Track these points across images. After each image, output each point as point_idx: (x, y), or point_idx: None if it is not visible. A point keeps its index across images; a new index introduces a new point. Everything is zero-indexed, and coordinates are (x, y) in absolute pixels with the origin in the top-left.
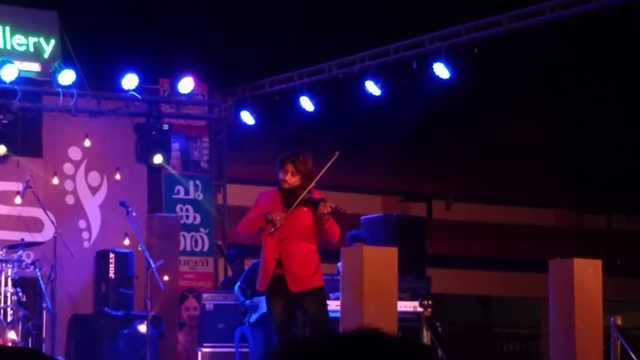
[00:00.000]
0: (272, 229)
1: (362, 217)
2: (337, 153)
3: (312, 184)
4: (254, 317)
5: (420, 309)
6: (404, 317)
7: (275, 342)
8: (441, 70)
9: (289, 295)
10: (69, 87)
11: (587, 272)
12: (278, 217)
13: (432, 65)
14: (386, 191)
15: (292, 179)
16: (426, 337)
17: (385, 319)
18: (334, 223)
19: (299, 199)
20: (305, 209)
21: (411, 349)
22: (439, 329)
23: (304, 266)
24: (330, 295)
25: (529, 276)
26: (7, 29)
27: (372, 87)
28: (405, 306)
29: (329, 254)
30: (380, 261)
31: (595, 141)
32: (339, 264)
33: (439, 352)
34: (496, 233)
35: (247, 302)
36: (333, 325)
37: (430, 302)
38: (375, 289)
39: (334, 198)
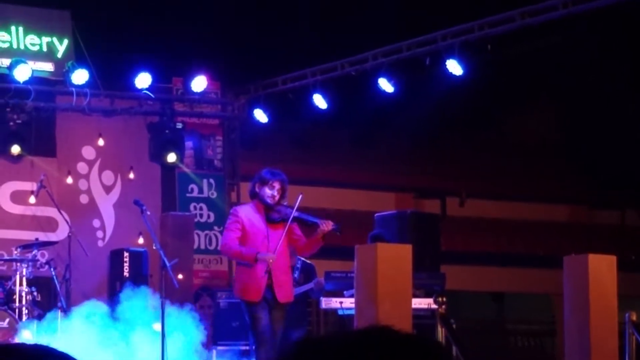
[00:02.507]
0: (266, 270)
1: (376, 215)
2: (301, 195)
3: (296, 207)
4: None
5: (434, 306)
6: (419, 314)
7: (268, 349)
8: (454, 66)
9: (274, 306)
10: (82, 86)
11: (602, 267)
12: (271, 260)
13: (445, 61)
14: (400, 188)
15: (277, 197)
16: (441, 334)
17: (399, 316)
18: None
19: (291, 219)
20: (291, 225)
21: (424, 346)
22: (454, 326)
23: (289, 278)
24: (345, 292)
25: (542, 272)
26: (21, 29)
27: (385, 84)
28: (420, 303)
29: (343, 252)
30: (395, 258)
31: (608, 136)
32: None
33: (454, 349)
34: (510, 229)
35: None
36: (348, 323)
37: (444, 299)
38: (390, 286)
39: (347, 195)
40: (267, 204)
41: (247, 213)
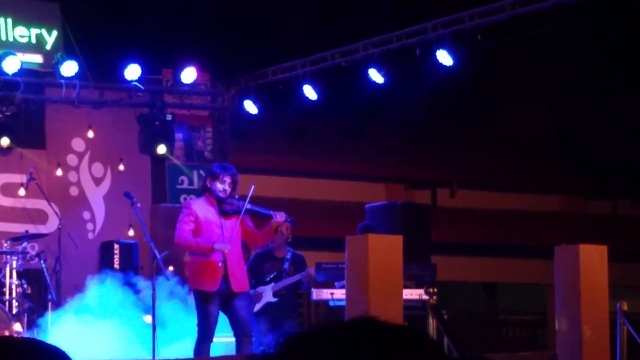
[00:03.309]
0: (222, 258)
1: (367, 205)
2: (253, 185)
3: (248, 199)
4: (257, 307)
5: (425, 297)
6: (410, 305)
7: (244, 336)
8: (444, 57)
9: (231, 296)
10: (72, 78)
11: (593, 257)
12: (226, 251)
13: (436, 52)
14: (390, 179)
15: (228, 190)
16: (432, 324)
17: (390, 307)
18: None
19: (243, 211)
20: (243, 217)
21: (412, 336)
22: (445, 317)
23: (242, 268)
24: (336, 283)
25: (534, 262)
26: (9, 20)
27: (376, 75)
28: (411, 294)
29: (334, 243)
30: (385, 249)
31: (601, 127)
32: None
33: (445, 339)
34: (501, 220)
35: (251, 291)
36: (339, 314)
37: (435, 290)
38: (381, 277)
39: (338, 186)
40: (219, 198)
41: (200, 207)
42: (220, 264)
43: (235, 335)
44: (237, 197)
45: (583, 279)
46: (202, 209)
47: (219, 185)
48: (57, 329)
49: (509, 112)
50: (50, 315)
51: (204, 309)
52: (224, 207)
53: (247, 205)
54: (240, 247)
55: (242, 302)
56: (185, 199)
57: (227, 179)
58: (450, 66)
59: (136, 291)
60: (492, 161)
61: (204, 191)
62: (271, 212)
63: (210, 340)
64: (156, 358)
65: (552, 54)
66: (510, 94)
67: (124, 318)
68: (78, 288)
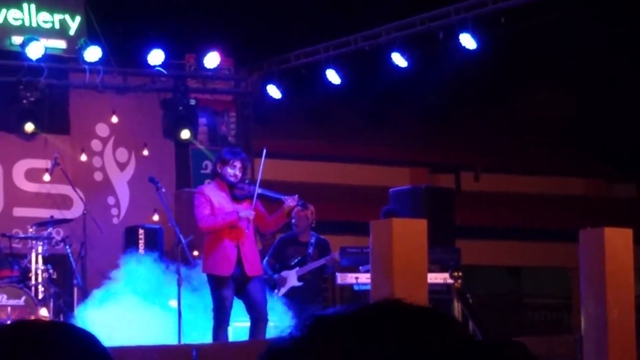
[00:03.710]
0: (247, 225)
1: (391, 190)
2: (265, 149)
3: (258, 183)
4: (282, 291)
5: (450, 281)
6: (434, 289)
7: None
8: (468, 40)
9: (245, 280)
10: (95, 63)
11: (618, 241)
12: (251, 217)
13: (459, 35)
14: (414, 163)
15: (239, 175)
16: (457, 308)
17: (415, 291)
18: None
19: (256, 195)
20: (254, 203)
21: (435, 319)
22: (470, 300)
23: (255, 252)
24: (360, 268)
25: (558, 246)
26: (33, 6)
27: (399, 59)
28: (435, 278)
29: (358, 227)
30: (410, 233)
31: (624, 110)
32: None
33: (470, 323)
34: (525, 203)
35: (276, 276)
36: (364, 299)
37: (460, 274)
38: (405, 262)
39: (362, 171)
40: (230, 183)
41: (213, 192)
42: (234, 248)
43: (251, 318)
44: (247, 181)
45: (608, 263)
46: (214, 194)
47: (230, 171)
48: (82, 313)
49: (532, 95)
50: (76, 300)
51: (218, 295)
52: (235, 192)
53: (259, 190)
54: (253, 232)
55: (257, 285)
56: (209, 183)
57: (238, 164)
58: (473, 49)
59: (161, 276)
60: (516, 144)
61: (215, 176)
62: (282, 196)
63: (227, 324)
64: (181, 342)
65: (575, 37)
66: (534, 76)
67: (149, 303)
68: (103, 273)
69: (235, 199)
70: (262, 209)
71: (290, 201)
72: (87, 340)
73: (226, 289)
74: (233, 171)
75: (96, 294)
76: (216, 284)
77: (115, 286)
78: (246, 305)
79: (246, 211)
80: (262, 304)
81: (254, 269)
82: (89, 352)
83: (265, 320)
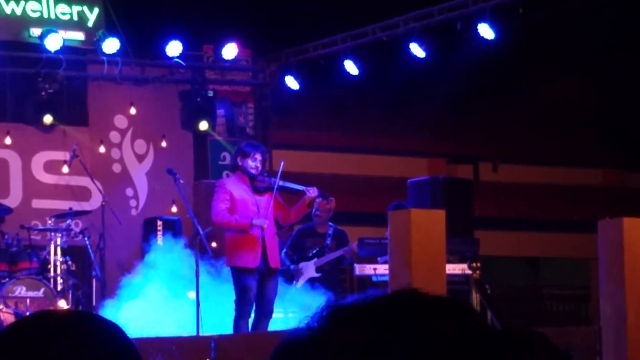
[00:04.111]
0: (262, 234)
1: (409, 181)
2: (283, 161)
3: (279, 175)
4: (300, 282)
5: (468, 272)
6: (453, 280)
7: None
8: (486, 30)
9: (267, 274)
10: (114, 55)
11: (637, 231)
12: (265, 226)
13: (477, 25)
14: (432, 154)
15: (259, 167)
16: (475, 299)
17: (433, 282)
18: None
19: (276, 187)
20: (274, 195)
21: (453, 309)
22: (488, 291)
23: (277, 244)
24: (379, 259)
25: (577, 237)
26: None
27: (417, 50)
28: (454, 269)
29: (376, 218)
30: (428, 224)
31: None
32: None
33: (488, 314)
34: (544, 194)
35: (294, 267)
36: (382, 290)
37: (478, 265)
38: (423, 252)
39: (380, 162)
40: (251, 175)
41: (234, 185)
42: (259, 240)
43: (256, 312)
44: (266, 174)
45: (627, 253)
46: (235, 187)
47: (251, 163)
48: (102, 305)
49: (551, 85)
50: (94, 292)
51: (242, 285)
52: (256, 185)
53: (280, 182)
54: (273, 224)
55: (273, 281)
56: (227, 174)
57: (258, 157)
58: (491, 40)
59: (180, 267)
60: (534, 135)
61: (235, 169)
62: (303, 187)
63: (248, 316)
64: (200, 334)
65: (593, 26)
66: (552, 67)
67: (168, 294)
68: (122, 264)
69: (257, 191)
70: (282, 201)
71: (311, 192)
72: (113, 330)
73: (250, 280)
74: (254, 163)
75: (115, 285)
76: (241, 275)
77: (135, 278)
78: (256, 298)
79: (260, 220)
80: (272, 301)
81: (276, 261)
82: (114, 342)
83: (270, 317)
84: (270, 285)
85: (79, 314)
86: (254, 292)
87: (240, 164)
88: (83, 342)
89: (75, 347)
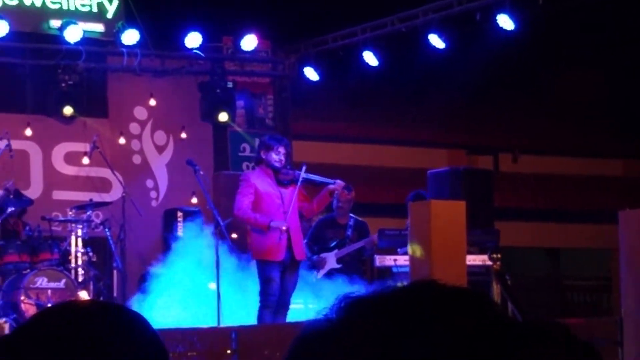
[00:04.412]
0: (280, 236)
1: (429, 172)
2: (305, 164)
3: (303, 169)
4: (321, 273)
5: (489, 263)
6: (473, 270)
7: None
8: (505, 21)
9: (290, 266)
10: (133, 46)
11: None
12: (284, 228)
13: (496, 16)
14: (452, 145)
15: (283, 160)
16: (496, 290)
17: (454, 273)
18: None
19: (301, 179)
20: (298, 187)
21: (472, 300)
22: (509, 282)
23: (301, 237)
24: (399, 250)
25: (598, 227)
26: None
27: (436, 40)
28: (474, 260)
29: (397, 209)
30: (448, 215)
31: None
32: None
33: (509, 305)
34: (564, 185)
35: (315, 257)
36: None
37: (499, 256)
38: (444, 244)
39: (400, 153)
40: (275, 168)
41: (258, 178)
42: (284, 232)
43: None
44: (289, 166)
45: None
46: (260, 180)
47: (275, 156)
48: (123, 296)
49: (571, 76)
50: (115, 283)
51: (266, 277)
52: (280, 177)
53: (304, 174)
54: (298, 216)
55: (295, 274)
56: (247, 166)
57: (282, 150)
58: (511, 30)
59: (200, 258)
60: (554, 126)
61: (259, 163)
62: (327, 180)
63: (273, 307)
64: (221, 325)
65: (614, 16)
66: (571, 57)
67: (189, 285)
68: (142, 255)
69: (281, 184)
70: (304, 193)
71: (336, 184)
72: (137, 321)
73: (274, 272)
74: (278, 157)
75: (136, 276)
76: (265, 267)
77: (155, 269)
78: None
79: (278, 222)
80: (290, 294)
81: (301, 253)
82: (139, 333)
83: (287, 309)
84: (291, 278)
85: (102, 304)
86: (277, 283)
87: (264, 157)
88: (107, 333)
89: (99, 338)
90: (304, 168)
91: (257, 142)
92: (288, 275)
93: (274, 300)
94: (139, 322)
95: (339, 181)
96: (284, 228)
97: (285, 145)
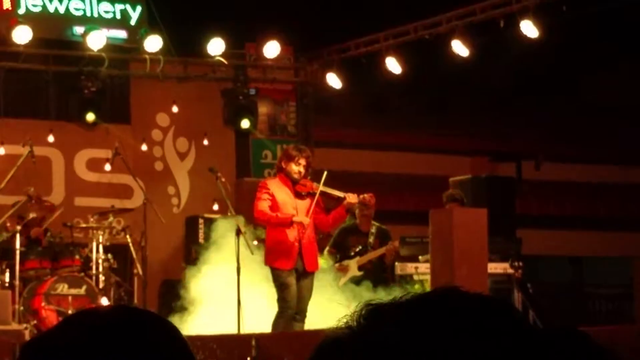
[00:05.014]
0: (302, 231)
1: (451, 179)
2: (325, 172)
3: (321, 183)
4: (343, 280)
5: (510, 271)
6: (495, 279)
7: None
8: (529, 28)
9: (303, 275)
10: (156, 53)
11: None
12: (306, 222)
13: (520, 23)
14: (475, 152)
15: (303, 172)
16: (517, 298)
17: (475, 281)
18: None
19: (318, 193)
20: (315, 199)
21: (493, 308)
22: (530, 290)
23: (315, 248)
24: (420, 257)
25: (620, 235)
26: None
27: (460, 48)
28: (496, 268)
29: (418, 217)
30: (470, 223)
31: None
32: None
33: (530, 313)
34: (587, 192)
35: (337, 265)
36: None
37: (520, 264)
38: (465, 251)
39: (422, 160)
40: (294, 179)
41: (276, 186)
42: (295, 242)
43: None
44: (309, 178)
45: None
46: (278, 189)
47: (294, 167)
48: (143, 303)
49: (595, 83)
50: (136, 289)
51: (281, 283)
52: (298, 189)
53: (321, 187)
54: (313, 228)
55: (309, 282)
56: (269, 173)
57: (303, 162)
58: (535, 37)
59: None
60: (577, 133)
61: (279, 171)
62: (344, 194)
63: (289, 314)
64: (241, 332)
65: (635, 23)
66: (595, 63)
67: (210, 292)
68: (164, 262)
69: (298, 195)
70: (321, 207)
71: (351, 198)
72: (164, 328)
73: (289, 278)
74: (298, 168)
75: (157, 283)
76: (279, 275)
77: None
78: None
79: (300, 216)
80: (306, 301)
81: (313, 265)
82: (166, 342)
83: (305, 316)
84: (305, 285)
85: (130, 311)
86: (293, 289)
87: (284, 167)
88: (134, 341)
89: (127, 346)
90: (323, 178)
91: (279, 149)
92: (302, 282)
93: (291, 306)
94: (168, 330)
95: (352, 195)
96: (306, 223)
97: (307, 157)
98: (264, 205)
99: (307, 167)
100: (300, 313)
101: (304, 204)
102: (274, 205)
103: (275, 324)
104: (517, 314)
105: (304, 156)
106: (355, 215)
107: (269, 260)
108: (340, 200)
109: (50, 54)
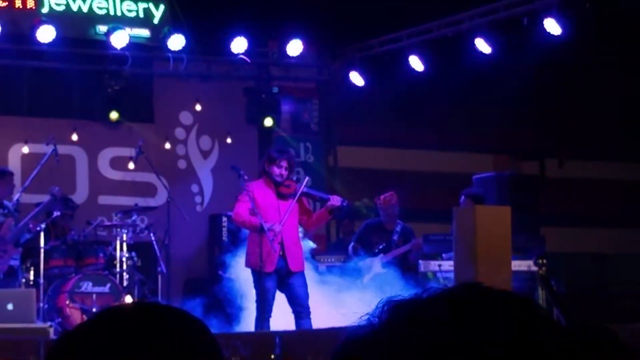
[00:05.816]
0: (273, 237)
1: (474, 177)
2: (308, 178)
3: (304, 184)
4: (367, 278)
5: (534, 268)
6: (519, 276)
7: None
8: (552, 26)
9: (288, 275)
10: (179, 52)
11: None
12: (278, 229)
13: (543, 21)
14: (498, 150)
15: (285, 174)
16: (541, 295)
17: (499, 279)
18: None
19: (299, 194)
20: (301, 199)
21: (517, 304)
22: (554, 288)
23: (299, 249)
24: (443, 255)
25: None
26: None
27: (483, 45)
28: (520, 265)
29: (441, 214)
30: (493, 220)
31: None
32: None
33: (554, 310)
34: (610, 190)
35: (361, 262)
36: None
37: (544, 261)
38: (489, 249)
39: (445, 158)
40: (276, 182)
41: (259, 188)
42: (277, 245)
43: (294, 311)
44: (295, 178)
45: None
46: (260, 191)
47: (276, 170)
48: (167, 300)
49: (618, 81)
50: (160, 287)
51: (262, 287)
52: (281, 190)
53: (303, 189)
54: (296, 228)
55: (298, 280)
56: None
57: (284, 163)
58: (558, 35)
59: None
60: (600, 130)
61: (262, 174)
62: (326, 195)
63: (269, 316)
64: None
65: None
66: (619, 61)
67: (233, 290)
68: (187, 260)
69: (281, 196)
70: (308, 207)
71: (334, 200)
72: (199, 325)
73: (268, 282)
74: (279, 170)
75: (181, 281)
76: (258, 277)
77: (200, 274)
78: (288, 300)
79: (270, 224)
80: (303, 298)
81: (297, 265)
82: (200, 337)
83: (308, 314)
84: (294, 284)
85: (159, 308)
86: (272, 293)
87: (266, 169)
88: (163, 338)
89: (156, 343)
90: (305, 181)
91: (302, 147)
92: (291, 282)
93: (269, 310)
94: (201, 326)
95: (336, 197)
96: (276, 229)
97: (289, 159)
98: (242, 207)
99: (290, 169)
100: (303, 312)
101: (286, 205)
102: (256, 207)
103: (258, 326)
104: (541, 311)
105: (285, 158)
106: (380, 213)
107: (249, 262)
108: (324, 201)
109: (73, 53)
